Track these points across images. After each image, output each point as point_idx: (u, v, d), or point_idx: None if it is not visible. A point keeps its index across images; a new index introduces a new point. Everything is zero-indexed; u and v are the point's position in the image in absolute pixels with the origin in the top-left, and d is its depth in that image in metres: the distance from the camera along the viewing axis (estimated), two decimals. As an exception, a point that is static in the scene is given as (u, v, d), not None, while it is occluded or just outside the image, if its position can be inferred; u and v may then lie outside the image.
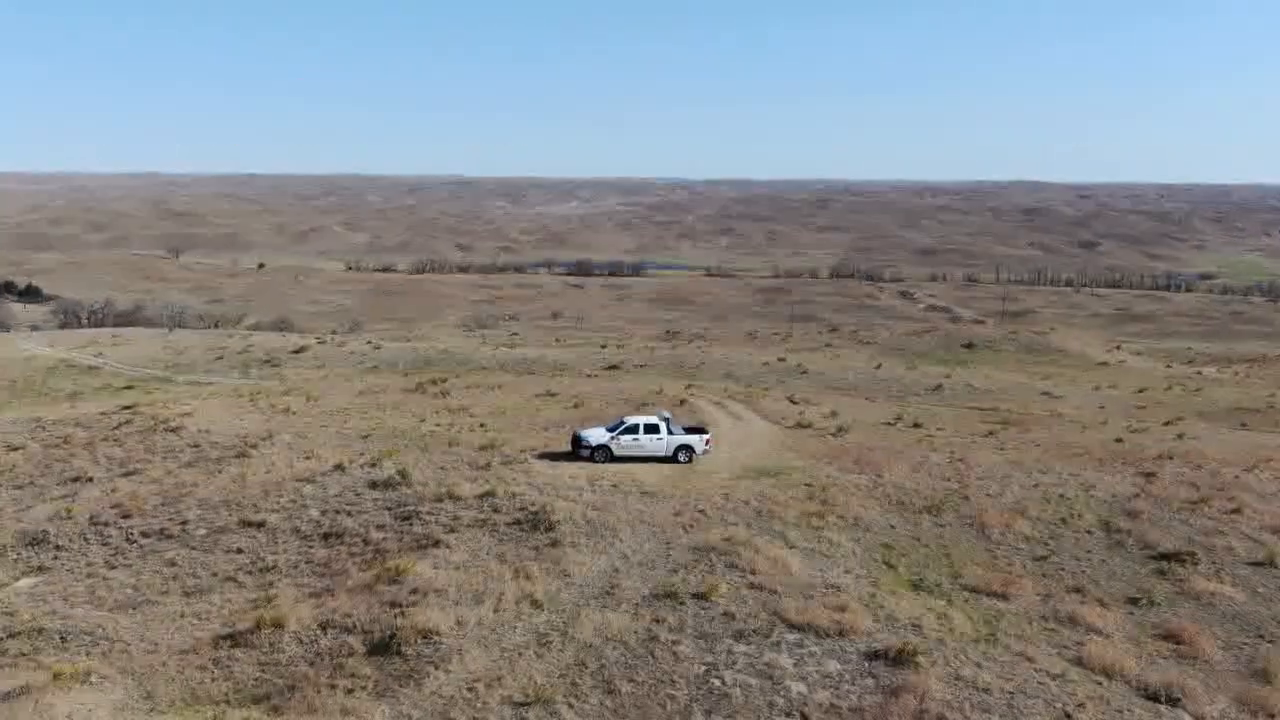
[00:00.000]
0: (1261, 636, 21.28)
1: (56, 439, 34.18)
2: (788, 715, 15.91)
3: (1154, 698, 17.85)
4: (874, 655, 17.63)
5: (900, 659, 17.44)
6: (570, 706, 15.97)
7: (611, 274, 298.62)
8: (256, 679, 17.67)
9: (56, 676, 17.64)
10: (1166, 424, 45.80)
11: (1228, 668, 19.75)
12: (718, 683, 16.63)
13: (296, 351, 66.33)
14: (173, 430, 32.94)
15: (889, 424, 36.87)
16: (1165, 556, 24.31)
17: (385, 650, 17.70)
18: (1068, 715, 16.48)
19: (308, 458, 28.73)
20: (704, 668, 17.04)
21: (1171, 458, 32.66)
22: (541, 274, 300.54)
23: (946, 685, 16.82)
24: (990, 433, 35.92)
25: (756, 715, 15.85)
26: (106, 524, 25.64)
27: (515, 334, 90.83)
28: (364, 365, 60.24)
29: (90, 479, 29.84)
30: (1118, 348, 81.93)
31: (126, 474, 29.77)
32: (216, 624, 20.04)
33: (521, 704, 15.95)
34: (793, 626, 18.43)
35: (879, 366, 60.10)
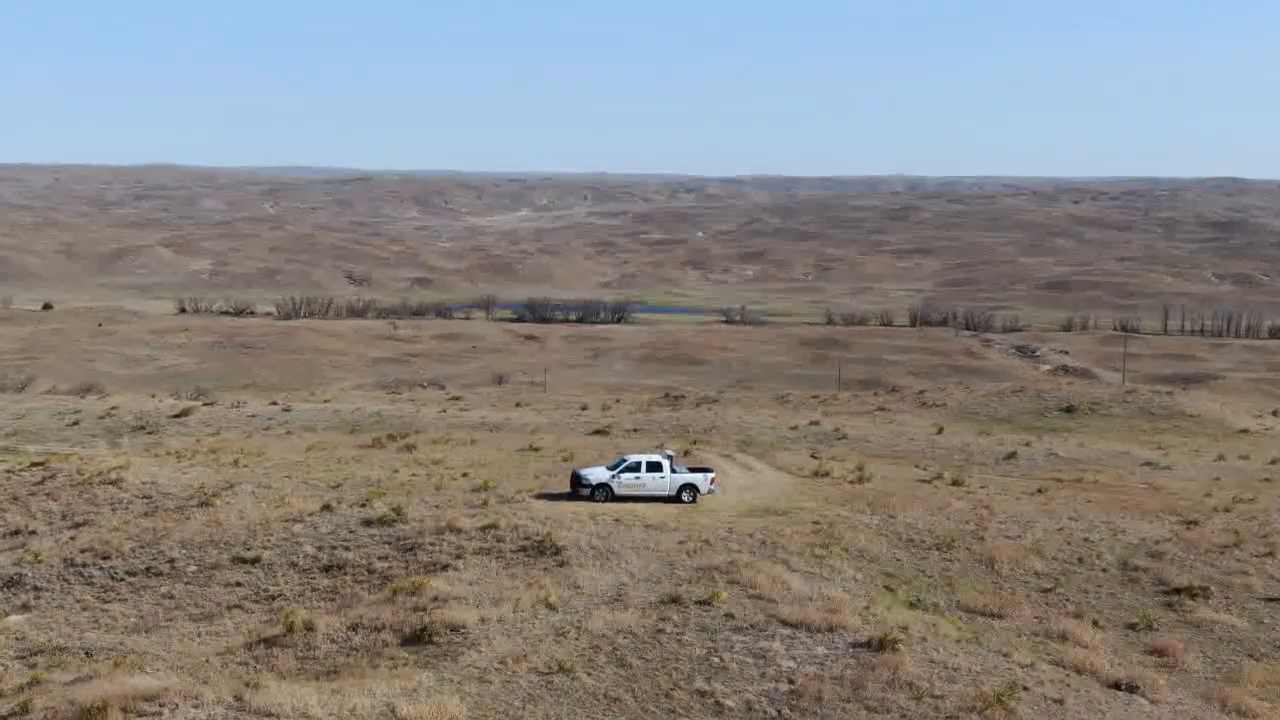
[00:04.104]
0: (1251, 656, 35.06)
1: (-32, 497, 47.64)
2: (776, 681, 29.40)
3: (1115, 686, 31.46)
4: (859, 644, 31.21)
5: (882, 646, 31.02)
6: (589, 675, 29.41)
7: (581, 320, 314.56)
8: (299, 669, 31.01)
9: (117, 665, 31.02)
10: (1283, 494, 59.94)
11: (1204, 675, 33.44)
12: (717, 660, 30.17)
13: (178, 416, 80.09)
14: (112, 484, 46.52)
15: (924, 481, 50.93)
16: (1177, 591, 38.18)
17: (418, 640, 31.15)
18: (1025, 688, 30.03)
19: (281, 504, 42.37)
20: (705, 650, 30.59)
21: (1228, 510, 46.77)
22: (476, 319, 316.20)
23: (921, 664, 30.40)
24: (1040, 490, 50.02)
25: (750, 681, 29.34)
26: (84, 565, 39.12)
27: (457, 396, 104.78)
28: (273, 430, 73.94)
29: (33, 532, 43.31)
30: (1274, 414, 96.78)
31: (76, 525, 43.30)
32: (240, 637, 33.43)
33: (546, 673, 29.37)
34: (787, 624, 32.05)
35: (940, 431, 74.40)
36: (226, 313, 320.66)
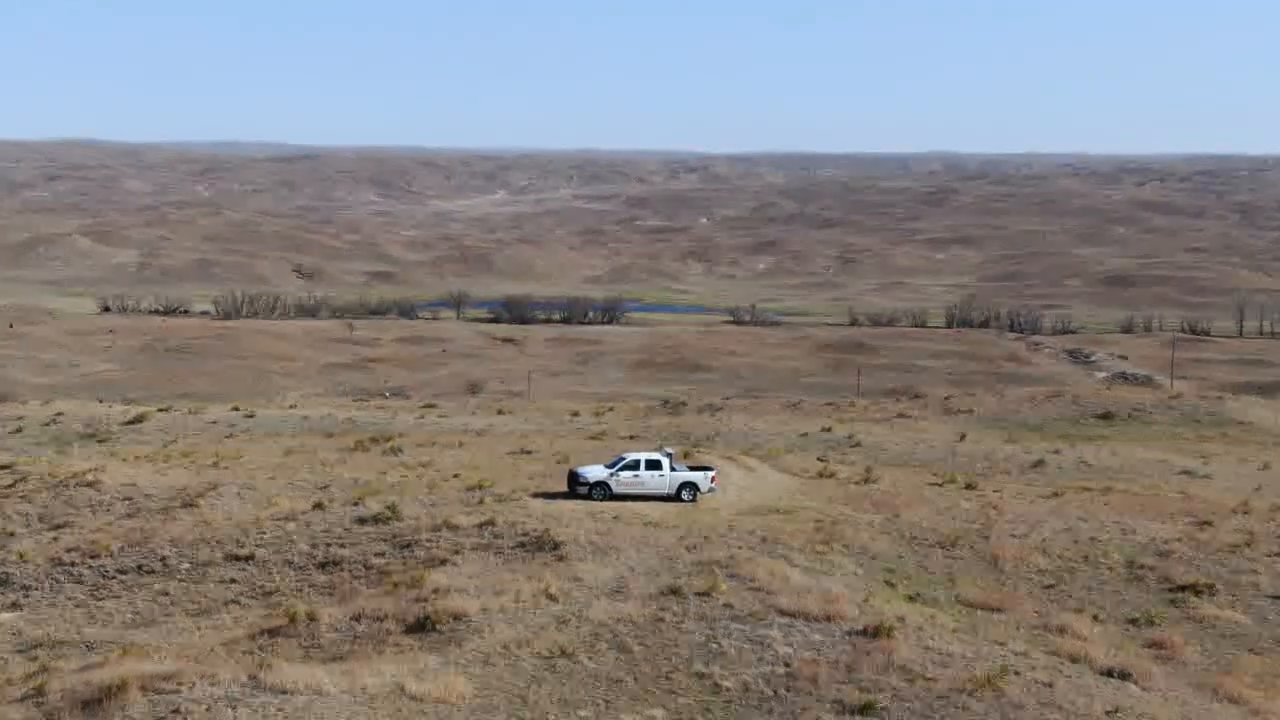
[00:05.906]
0: (1252, 650, 41.24)
1: (-66, 501, 53.76)
2: (773, 665, 35.54)
3: (1107, 674, 37.63)
4: (856, 632, 37.36)
5: (878, 633, 37.18)
6: (590, 660, 35.54)
7: (567, 320, 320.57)
8: (305, 656, 37.09)
9: (125, 652, 37.10)
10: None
11: (1200, 667, 39.61)
12: (716, 646, 36.33)
13: (131, 422, 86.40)
14: (89, 485, 52.67)
15: (936, 485, 57.20)
16: (1182, 588, 44.39)
17: (422, 629, 37.25)
18: (1016, 673, 36.18)
19: (270, 504, 48.53)
20: (704, 637, 36.75)
21: (1247, 513, 53.08)
22: (445, 319, 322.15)
23: (915, 651, 36.56)
24: (1056, 494, 56.33)
25: (747, 665, 35.48)
26: (73, 564, 45.28)
27: (431, 404, 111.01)
28: (236, 437, 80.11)
29: (11, 533, 49.41)
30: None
31: (57, 527, 49.44)
32: (241, 629, 39.52)
33: (549, 658, 35.50)
34: (785, 613, 38.21)
35: (962, 439, 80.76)
36: (157, 311, 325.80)
